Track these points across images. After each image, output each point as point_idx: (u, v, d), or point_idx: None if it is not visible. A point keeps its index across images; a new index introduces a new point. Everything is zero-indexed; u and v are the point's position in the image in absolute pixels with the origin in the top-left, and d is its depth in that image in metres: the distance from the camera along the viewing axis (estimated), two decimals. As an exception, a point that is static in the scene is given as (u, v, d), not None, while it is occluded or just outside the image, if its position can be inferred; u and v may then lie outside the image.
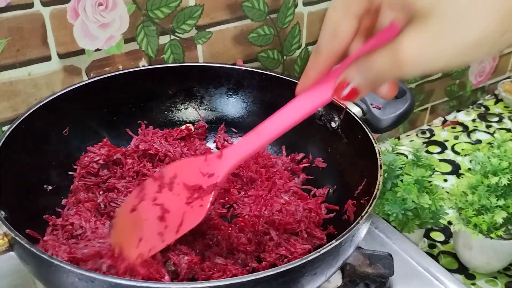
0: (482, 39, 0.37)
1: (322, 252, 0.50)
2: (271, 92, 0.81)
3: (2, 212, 0.55)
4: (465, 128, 1.37)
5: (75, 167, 0.72)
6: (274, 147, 0.81)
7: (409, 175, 0.87)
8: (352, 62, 0.44)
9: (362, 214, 0.55)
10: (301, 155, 0.78)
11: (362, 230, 0.56)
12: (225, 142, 0.81)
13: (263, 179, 0.73)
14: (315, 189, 0.74)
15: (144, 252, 0.55)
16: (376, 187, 0.59)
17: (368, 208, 0.56)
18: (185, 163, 0.60)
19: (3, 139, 0.63)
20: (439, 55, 0.38)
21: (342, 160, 0.73)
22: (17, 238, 0.51)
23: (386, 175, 0.88)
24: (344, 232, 0.52)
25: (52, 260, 0.48)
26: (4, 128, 0.76)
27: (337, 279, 0.66)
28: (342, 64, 0.46)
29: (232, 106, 0.83)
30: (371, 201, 0.57)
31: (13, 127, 0.65)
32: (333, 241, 0.51)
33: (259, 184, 0.72)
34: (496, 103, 1.48)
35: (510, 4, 0.36)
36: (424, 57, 0.39)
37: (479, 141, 1.31)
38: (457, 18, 0.37)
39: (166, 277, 0.55)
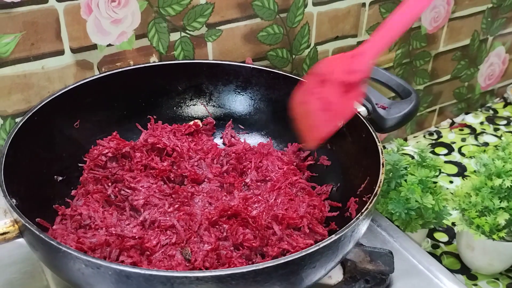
0: None
1: (321, 245, 0.51)
2: (278, 90, 0.82)
3: (14, 200, 0.57)
4: (472, 130, 1.38)
5: (85, 159, 0.74)
6: (280, 144, 0.82)
7: (414, 175, 0.88)
8: None
9: (362, 211, 0.56)
10: (306, 152, 0.79)
11: (362, 226, 0.57)
12: (232, 139, 0.83)
13: (277, 171, 0.74)
14: (319, 186, 0.75)
15: (319, 137, 0.70)
16: (377, 185, 0.60)
17: (369, 205, 0.57)
18: (336, 61, 0.68)
19: (15, 130, 0.65)
20: None
21: (346, 158, 0.75)
22: (27, 224, 0.52)
23: (390, 174, 0.89)
24: (344, 227, 0.54)
25: (60, 247, 0.50)
26: (17, 120, 0.78)
27: (338, 275, 0.67)
28: None
29: (240, 103, 0.84)
30: (371, 198, 0.58)
31: (25, 118, 0.67)
32: (333, 235, 0.52)
33: (274, 180, 0.73)
34: (505, 106, 1.48)
35: None
36: None
37: (486, 144, 1.31)
38: None
39: None
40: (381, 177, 0.62)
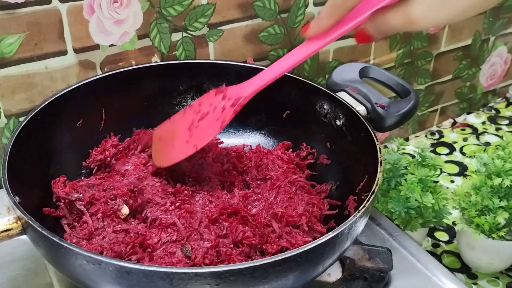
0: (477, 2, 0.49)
1: (318, 242, 0.52)
2: (279, 89, 0.83)
3: (17, 198, 0.58)
4: (474, 130, 1.38)
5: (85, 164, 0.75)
6: (280, 143, 0.83)
7: (414, 174, 0.88)
8: (368, 17, 0.54)
9: (360, 209, 0.57)
10: (306, 151, 0.80)
11: (359, 223, 0.58)
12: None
13: (276, 170, 0.75)
14: (318, 185, 0.76)
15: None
16: (375, 183, 0.61)
17: (366, 203, 0.58)
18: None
19: (19, 129, 0.66)
20: (443, 16, 0.49)
21: (345, 157, 0.75)
22: (29, 221, 0.53)
23: (390, 173, 0.90)
24: (341, 225, 0.54)
25: (61, 243, 0.51)
26: (21, 119, 0.79)
27: (337, 272, 0.68)
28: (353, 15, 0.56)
29: (241, 102, 0.85)
30: (369, 196, 0.59)
31: (29, 117, 0.68)
32: (330, 232, 0.53)
33: (273, 178, 0.74)
34: (507, 106, 1.48)
35: None
36: (430, 18, 0.50)
37: (488, 144, 1.32)
38: None
39: None
40: (379, 175, 0.62)
